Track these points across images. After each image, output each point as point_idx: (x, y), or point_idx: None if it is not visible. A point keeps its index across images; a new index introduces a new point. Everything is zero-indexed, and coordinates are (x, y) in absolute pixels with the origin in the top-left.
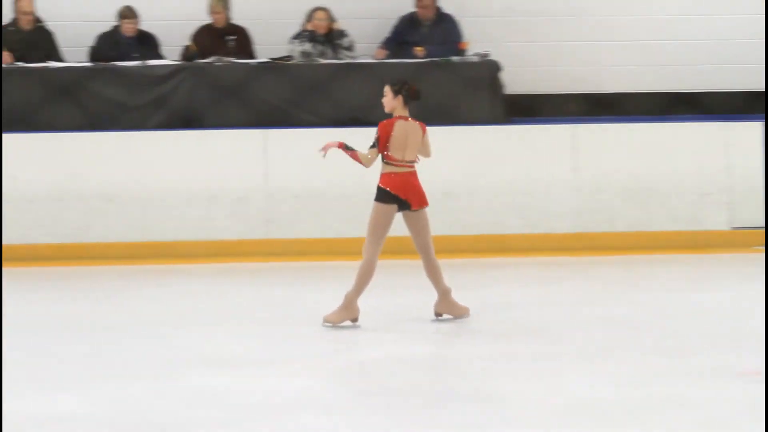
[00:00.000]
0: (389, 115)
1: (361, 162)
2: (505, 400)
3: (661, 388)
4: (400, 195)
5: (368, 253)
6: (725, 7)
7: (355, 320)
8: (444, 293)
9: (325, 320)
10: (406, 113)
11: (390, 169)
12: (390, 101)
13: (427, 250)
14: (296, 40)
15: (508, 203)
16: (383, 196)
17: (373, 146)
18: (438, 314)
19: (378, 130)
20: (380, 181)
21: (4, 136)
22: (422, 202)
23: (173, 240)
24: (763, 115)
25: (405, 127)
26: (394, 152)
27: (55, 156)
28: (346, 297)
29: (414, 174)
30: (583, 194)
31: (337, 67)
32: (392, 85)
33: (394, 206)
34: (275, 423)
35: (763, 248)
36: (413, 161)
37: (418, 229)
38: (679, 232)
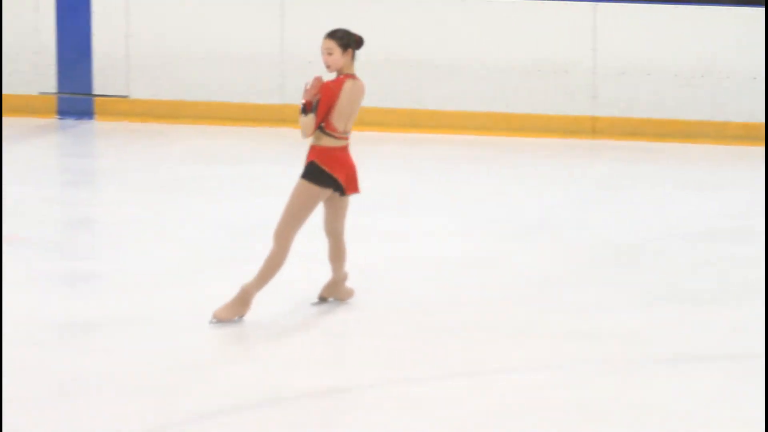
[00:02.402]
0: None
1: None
2: None
3: None
4: (339, 178)
5: (283, 239)
6: None
7: (242, 315)
8: (341, 280)
9: (214, 316)
10: (353, 71)
11: (328, 142)
12: (338, 59)
13: (339, 235)
14: None
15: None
16: (318, 175)
17: (312, 111)
18: (323, 298)
19: (322, 91)
20: (314, 157)
21: None
22: (356, 188)
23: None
24: None
25: (353, 90)
26: (336, 122)
27: None
28: (245, 290)
29: (348, 149)
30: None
31: None
32: (338, 39)
33: (328, 190)
34: None
35: None
36: (349, 133)
37: (339, 214)
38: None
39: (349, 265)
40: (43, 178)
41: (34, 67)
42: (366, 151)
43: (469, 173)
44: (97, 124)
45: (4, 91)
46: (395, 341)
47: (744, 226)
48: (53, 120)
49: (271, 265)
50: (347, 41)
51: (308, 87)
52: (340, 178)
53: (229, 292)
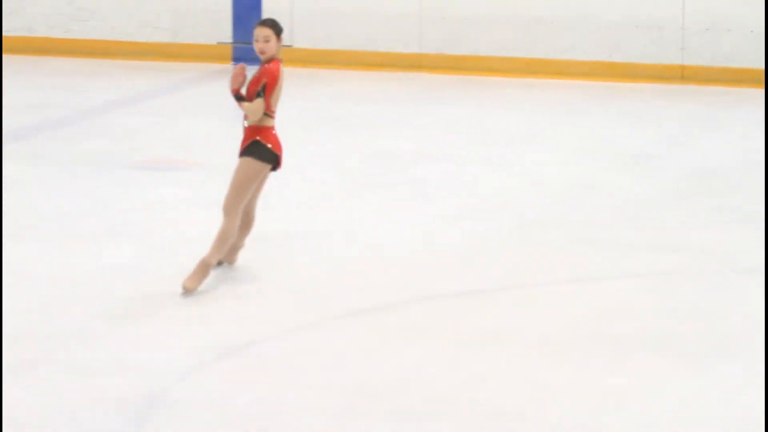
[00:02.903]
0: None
1: (246, 114)
2: None
3: None
4: (279, 155)
5: (233, 213)
6: None
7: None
8: (238, 248)
9: (185, 289)
10: (280, 55)
11: (267, 122)
12: (273, 46)
13: (254, 208)
14: None
15: None
16: (263, 152)
17: (259, 95)
18: (219, 262)
19: (266, 75)
20: (256, 135)
21: None
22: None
23: None
24: None
25: (283, 75)
26: (273, 103)
27: None
28: (204, 262)
29: None
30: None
31: None
32: (273, 27)
33: (269, 166)
34: None
35: None
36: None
37: (259, 188)
38: None
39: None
40: (219, 113)
41: (213, 21)
42: (487, 94)
43: (576, 113)
44: None
45: (187, 41)
46: (518, 252)
47: None
48: (228, 65)
49: (224, 237)
50: (279, 29)
51: (235, 75)
52: (279, 155)
53: (376, 210)
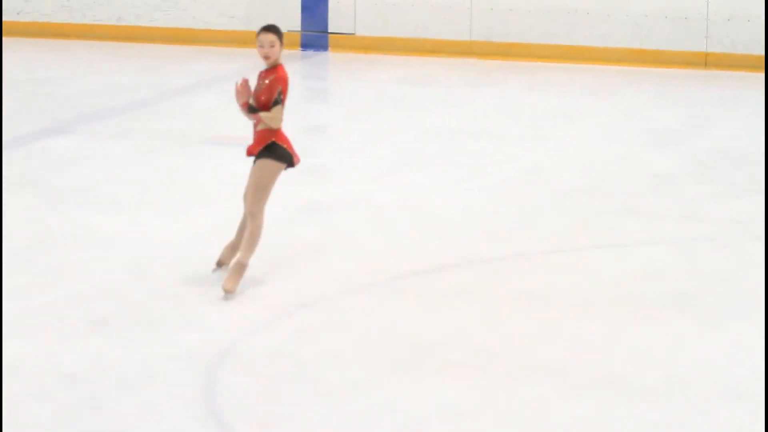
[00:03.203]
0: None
1: (268, 125)
2: None
3: None
4: (294, 154)
5: (260, 214)
6: None
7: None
8: (238, 248)
9: (226, 291)
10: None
11: (281, 125)
12: (277, 51)
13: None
14: None
15: None
16: (284, 154)
17: (277, 103)
18: (221, 263)
19: (280, 83)
20: (272, 138)
21: None
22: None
23: None
24: None
25: None
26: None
27: None
28: (240, 263)
29: None
30: None
31: None
32: (277, 33)
33: (285, 165)
34: None
35: None
36: None
37: None
38: None
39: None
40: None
41: (283, 10)
42: (530, 77)
43: (610, 95)
44: (330, 55)
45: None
46: (558, 219)
47: None
48: (296, 51)
49: (255, 237)
50: (281, 35)
51: (239, 90)
52: (294, 155)
53: (429, 182)
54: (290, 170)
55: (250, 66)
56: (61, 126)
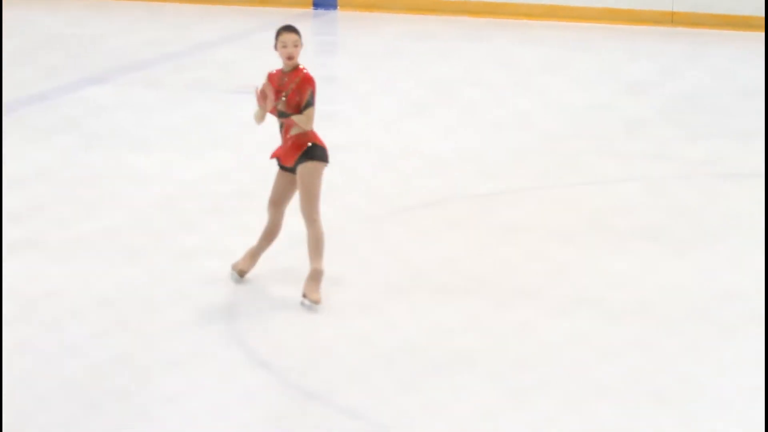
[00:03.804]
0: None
1: (303, 128)
2: None
3: None
4: (328, 152)
5: (317, 218)
6: None
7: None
8: (257, 256)
9: (314, 302)
10: None
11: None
12: (300, 50)
13: (283, 216)
14: None
15: None
16: (323, 153)
17: (310, 104)
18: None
19: (310, 84)
20: (310, 139)
21: None
22: None
23: None
24: None
25: None
26: None
27: None
28: (317, 271)
29: None
30: None
31: None
32: (298, 33)
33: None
34: None
35: None
36: None
37: (291, 194)
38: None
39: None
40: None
41: None
42: (517, 33)
43: (588, 49)
44: (340, 13)
45: None
46: (541, 159)
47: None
48: (308, 10)
49: (319, 242)
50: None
51: (266, 94)
52: (328, 153)
53: (428, 126)
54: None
55: (266, 23)
56: (100, 76)
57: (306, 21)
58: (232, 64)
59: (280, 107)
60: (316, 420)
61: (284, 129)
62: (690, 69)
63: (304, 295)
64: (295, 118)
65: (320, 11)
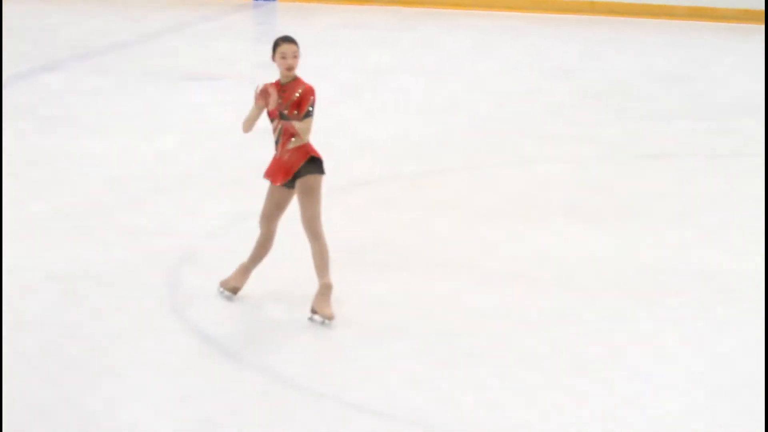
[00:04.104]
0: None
1: (300, 137)
2: None
3: None
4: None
5: (321, 231)
6: None
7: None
8: (250, 270)
9: (327, 318)
10: None
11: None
12: (298, 62)
13: (275, 230)
14: None
15: None
16: (322, 166)
17: (309, 115)
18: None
19: (310, 93)
20: (310, 152)
21: None
22: None
23: None
24: None
25: None
26: None
27: None
28: (327, 286)
29: None
30: None
31: None
32: (297, 44)
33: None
34: None
35: None
36: None
37: (283, 210)
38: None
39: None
40: (239, 36)
41: None
42: (446, 22)
43: (513, 36)
44: (279, 4)
45: None
46: (471, 141)
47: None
48: (249, 1)
49: (326, 255)
50: None
51: (267, 95)
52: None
53: (363, 111)
54: (244, 98)
55: (212, 12)
56: (54, 64)
57: (246, 11)
58: (178, 53)
59: (282, 109)
60: (257, 390)
61: (282, 137)
62: (611, 55)
63: (314, 311)
64: (297, 125)
65: (260, 2)
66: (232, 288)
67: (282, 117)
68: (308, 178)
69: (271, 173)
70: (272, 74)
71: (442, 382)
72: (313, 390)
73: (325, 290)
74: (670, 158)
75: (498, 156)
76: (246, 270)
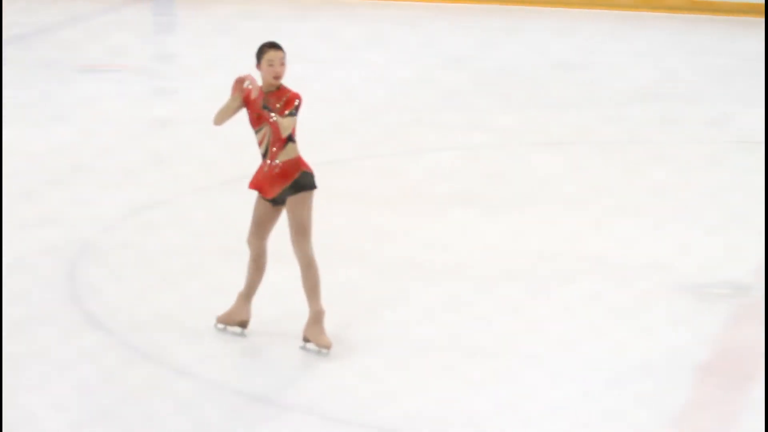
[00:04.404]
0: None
1: (278, 130)
2: None
3: None
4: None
5: (311, 253)
6: None
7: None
8: (251, 295)
9: (325, 348)
10: None
11: (296, 149)
12: (285, 69)
13: (267, 250)
14: None
15: None
16: (313, 180)
17: (293, 114)
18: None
19: (296, 96)
20: (301, 167)
21: None
22: None
23: None
24: None
25: None
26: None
27: None
28: (320, 313)
29: None
30: None
31: None
32: (283, 50)
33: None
34: None
35: None
36: None
37: (273, 225)
38: None
39: None
40: (136, 29)
41: None
42: (341, 11)
43: (412, 25)
44: None
45: None
46: (367, 130)
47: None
48: None
49: (317, 282)
50: None
51: (247, 83)
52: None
53: None
54: (141, 89)
55: (111, 4)
56: None
57: (145, 2)
58: (74, 45)
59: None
60: (153, 381)
61: (271, 148)
62: (506, 43)
63: (306, 339)
64: (279, 120)
65: None
66: (239, 322)
67: (264, 108)
68: (297, 197)
69: (259, 185)
70: (171, 63)
71: (334, 371)
72: (211, 380)
73: (318, 317)
74: (563, 146)
75: (393, 145)
76: (248, 297)
